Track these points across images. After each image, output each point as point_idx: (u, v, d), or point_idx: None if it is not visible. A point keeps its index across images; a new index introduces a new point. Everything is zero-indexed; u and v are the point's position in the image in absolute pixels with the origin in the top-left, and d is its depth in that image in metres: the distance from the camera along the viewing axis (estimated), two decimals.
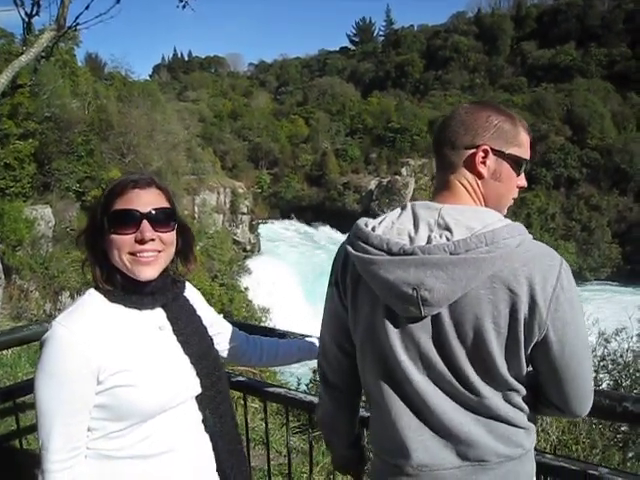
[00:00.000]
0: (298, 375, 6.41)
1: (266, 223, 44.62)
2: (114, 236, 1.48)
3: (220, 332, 1.83)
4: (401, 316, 1.32)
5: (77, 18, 4.64)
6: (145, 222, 1.48)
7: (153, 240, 1.49)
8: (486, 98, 54.45)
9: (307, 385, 5.88)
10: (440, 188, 1.43)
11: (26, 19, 4.55)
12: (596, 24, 56.56)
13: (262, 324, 20.48)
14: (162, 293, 1.58)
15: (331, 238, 44.68)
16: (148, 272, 1.50)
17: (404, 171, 47.39)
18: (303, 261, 36.89)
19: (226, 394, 1.68)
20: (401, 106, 54.02)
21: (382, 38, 79.97)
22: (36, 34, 4.69)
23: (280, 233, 44.83)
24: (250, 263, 33.96)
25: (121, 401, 1.44)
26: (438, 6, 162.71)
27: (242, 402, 2.40)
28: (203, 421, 1.61)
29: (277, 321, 22.38)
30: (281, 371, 10.04)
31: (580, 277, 41.56)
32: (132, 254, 1.48)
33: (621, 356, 5.70)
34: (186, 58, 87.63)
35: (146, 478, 1.50)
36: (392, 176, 47.06)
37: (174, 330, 1.58)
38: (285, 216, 49.40)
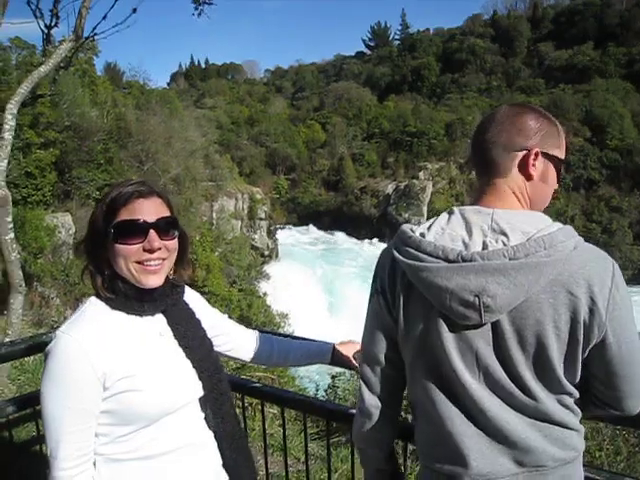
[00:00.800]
0: (317, 381, 6.38)
1: (284, 228, 44.68)
2: (120, 246, 1.51)
3: (224, 332, 1.88)
4: (457, 324, 1.30)
5: (94, 28, 4.73)
6: (152, 232, 1.52)
7: (160, 249, 1.54)
8: (503, 100, 54.16)
9: (326, 391, 5.85)
10: (484, 192, 1.42)
11: (45, 30, 4.63)
12: (614, 23, 56.00)
13: (281, 329, 20.50)
14: (162, 299, 1.61)
15: (349, 243, 44.68)
16: (154, 280, 1.54)
17: (421, 175, 47.19)
18: (321, 266, 36.84)
19: (227, 395, 1.72)
20: (418, 110, 53.89)
21: (398, 42, 80.00)
22: (55, 45, 4.76)
23: (298, 238, 44.86)
24: (268, 268, 33.99)
25: (127, 406, 1.48)
26: (454, 9, 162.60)
27: (260, 408, 2.40)
28: (206, 421, 1.65)
29: (296, 326, 22.40)
30: (300, 376, 10.04)
31: None
32: (139, 263, 1.52)
33: None
34: (203, 66, 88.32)
35: (154, 477, 1.54)
36: (409, 180, 46.89)
37: (175, 335, 1.63)
38: (303, 221, 49.47)
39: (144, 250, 1.51)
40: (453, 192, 46.70)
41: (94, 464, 1.51)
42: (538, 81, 56.96)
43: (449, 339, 1.32)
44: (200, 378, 1.63)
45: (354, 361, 1.97)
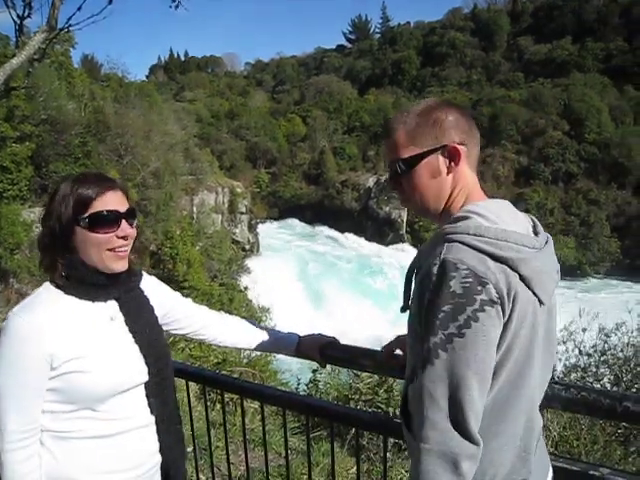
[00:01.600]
0: (298, 375, 6.37)
1: (265, 222, 44.56)
2: (94, 235, 1.62)
3: (186, 315, 1.96)
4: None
5: (69, 19, 4.63)
6: (123, 221, 1.66)
7: (130, 236, 1.68)
8: (483, 94, 54.51)
9: (307, 385, 5.85)
10: (478, 185, 1.45)
11: (18, 21, 4.53)
12: (592, 18, 56.56)
13: (262, 324, 20.45)
14: (115, 287, 1.71)
15: (329, 237, 44.69)
16: (122, 264, 1.68)
17: None
18: (302, 260, 36.83)
19: (170, 380, 1.82)
20: (398, 103, 53.94)
21: (378, 35, 79.99)
22: (29, 36, 4.66)
23: (279, 232, 44.79)
24: (249, 263, 33.91)
25: (73, 385, 1.57)
26: (434, 2, 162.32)
27: (239, 403, 2.39)
28: (149, 405, 1.73)
29: (277, 321, 22.37)
30: (282, 370, 10.03)
31: (579, 272, 41.59)
32: (111, 250, 1.64)
33: (622, 350, 5.70)
34: (182, 58, 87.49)
35: (97, 457, 1.63)
36: None
37: (125, 321, 1.71)
38: (284, 215, 49.39)
39: (118, 237, 1.64)
40: None
41: (42, 442, 1.60)
42: (517, 75, 57.32)
43: (539, 342, 1.31)
44: (146, 363, 1.71)
45: (317, 355, 1.97)
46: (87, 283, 1.65)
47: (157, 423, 1.75)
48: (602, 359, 6.17)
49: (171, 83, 72.27)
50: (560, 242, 42.19)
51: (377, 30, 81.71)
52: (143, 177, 25.20)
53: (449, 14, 70.98)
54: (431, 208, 1.41)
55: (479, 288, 1.17)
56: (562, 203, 45.04)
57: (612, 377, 5.57)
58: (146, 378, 1.71)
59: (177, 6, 5.65)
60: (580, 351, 6.40)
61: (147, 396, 1.73)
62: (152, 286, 1.88)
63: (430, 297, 1.20)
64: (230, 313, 2.07)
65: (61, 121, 22.65)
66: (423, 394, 1.20)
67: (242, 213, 37.17)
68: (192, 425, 2.64)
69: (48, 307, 1.60)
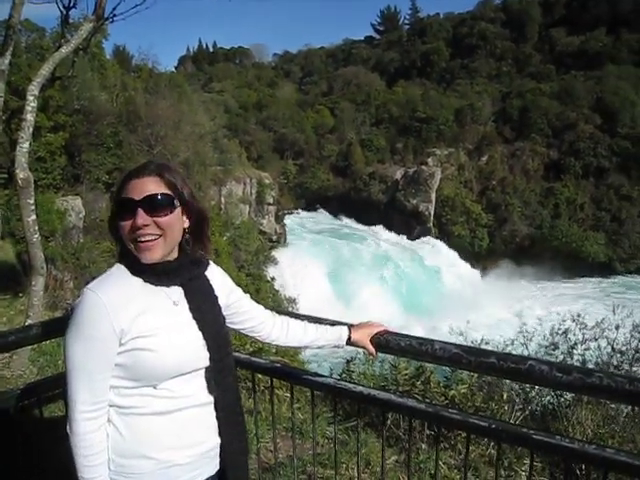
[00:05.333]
0: (332, 366, 6.39)
1: (292, 213, 44.63)
2: (120, 222, 1.67)
3: (244, 311, 2.00)
4: None
5: (114, 9, 4.70)
6: (139, 209, 1.63)
7: (147, 225, 1.64)
8: (513, 86, 53.71)
9: (340, 375, 5.86)
10: None
11: (64, 11, 4.61)
12: (627, 9, 55.09)
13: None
14: (177, 274, 1.73)
15: (356, 229, 44.60)
16: (148, 255, 1.66)
17: (430, 161, 46.90)
18: (329, 252, 36.86)
19: (231, 369, 1.85)
20: (427, 95, 53.46)
21: (407, 27, 79.04)
22: (76, 25, 4.73)
23: (306, 223, 44.84)
24: (276, 253, 34.05)
25: (138, 362, 1.63)
26: None
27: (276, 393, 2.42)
28: (209, 390, 1.77)
29: (303, 311, 22.42)
30: (309, 361, 10.07)
31: (610, 269, 40.89)
32: (133, 240, 1.66)
33: None
34: (211, 49, 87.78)
35: (158, 433, 1.68)
36: (418, 166, 46.62)
37: (190, 307, 1.74)
38: (311, 207, 49.39)
39: (134, 226, 1.64)
40: (462, 179, 46.41)
41: (108, 417, 1.67)
42: (549, 67, 56.26)
43: None
44: (209, 349, 1.74)
45: (369, 345, 2.00)
46: (147, 268, 1.69)
47: (216, 408, 1.79)
48: (636, 357, 6.10)
49: (199, 74, 72.55)
50: (590, 238, 41.52)
51: (406, 21, 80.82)
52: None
53: (479, 5, 69.77)
54: None
55: None
56: (593, 198, 44.20)
57: None
58: (207, 363, 1.76)
59: None
60: (613, 348, 6.32)
61: (207, 380, 1.76)
62: (217, 276, 1.91)
63: None
64: (257, 303, 2.10)
65: (94, 111, 22.94)
66: None
67: (269, 204, 37.27)
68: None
69: (119, 285, 1.66)
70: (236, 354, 2.65)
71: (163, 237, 1.67)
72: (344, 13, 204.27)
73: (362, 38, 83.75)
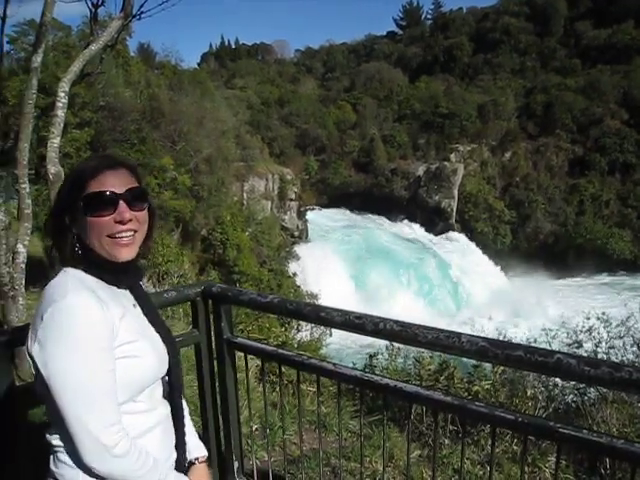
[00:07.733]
0: (355, 361, 6.43)
1: (314, 209, 44.68)
2: (91, 219, 1.48)
3: None
4: None
5: (142, 6, 4.78)
6: (122, 203, 1.49)
7: (130, 220, 1.51)
8: (537, 81, 53.00)
9: (363, 370, 5.88)
10: None
11: (92, 9, 4.70)
12: None
13: None
14: (135, 274, 1.63)
15: (379, 225, 44.48)
16: (127, 253, 1.52)
17: (453, 157, 46.59)
18: (350, 247, 36.86)
19: (181, 378, 1.75)
20: (450, 91, 53.07)
21: (430, 22, 78.38)
22: (105, 22, 4.82)
23: (328, 219, 44.83)
24: (298, 249, 34.14)
25: (127, 372, 1.47)
26: None
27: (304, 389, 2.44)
28: (168, 394, 1.69)
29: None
30: (331, 357, 10.08)
31: (635, 266, 40.26)
32: (111, 237, 1.49)
33: None
34: (233, 46, 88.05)
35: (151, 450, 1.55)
36: (441, 162, 46.33)
37: (143, 311, 1.64)
38: (333, 202, 49.39)
39: (115, 222, 1.49)
40: (485, 175, 46.02)
41: None
42: (574, 61, 55.36)
43: None
44: (168, 353, 1.64)
45: None
46: (106, 269, 1.53)
47: (174, 415, 1.69)
48: None
49: (222, 70, 72.75)
50: (616, 235, 40.91)
51: (429, 16, 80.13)
52: (196, 163, 25.62)
53: None
54: None
55: None
56: (618, 195, 43.52)
57: None
58: (166, 369, 1.65)
59: None
60: (639, 347, 6.25)
61: (165, 387, 1.68)
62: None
63: None
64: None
65: (118, 108, 23.20)
66: None
67: (291, 200, 37.38)
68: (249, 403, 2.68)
69: (89, 288, 1.47)
70: (262, 345, 2.69)
71: (139, 233, 1.56)
72: (366, 8, 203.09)
73: (384, 33, 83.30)
